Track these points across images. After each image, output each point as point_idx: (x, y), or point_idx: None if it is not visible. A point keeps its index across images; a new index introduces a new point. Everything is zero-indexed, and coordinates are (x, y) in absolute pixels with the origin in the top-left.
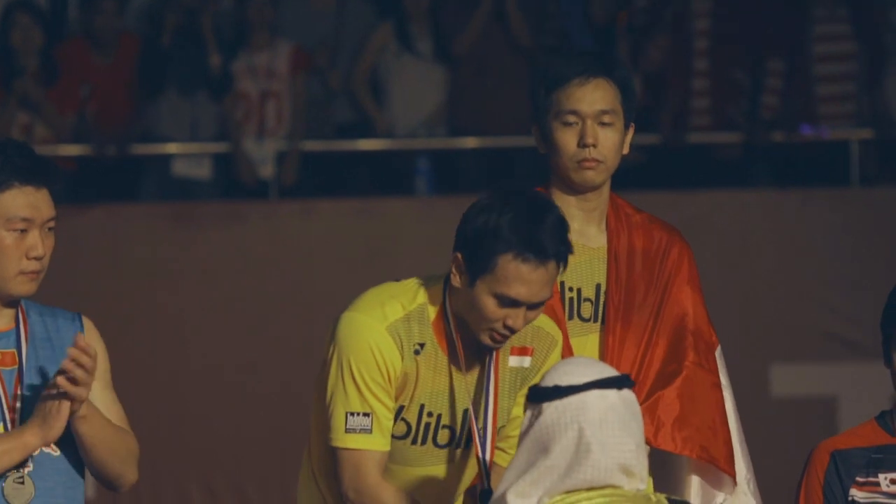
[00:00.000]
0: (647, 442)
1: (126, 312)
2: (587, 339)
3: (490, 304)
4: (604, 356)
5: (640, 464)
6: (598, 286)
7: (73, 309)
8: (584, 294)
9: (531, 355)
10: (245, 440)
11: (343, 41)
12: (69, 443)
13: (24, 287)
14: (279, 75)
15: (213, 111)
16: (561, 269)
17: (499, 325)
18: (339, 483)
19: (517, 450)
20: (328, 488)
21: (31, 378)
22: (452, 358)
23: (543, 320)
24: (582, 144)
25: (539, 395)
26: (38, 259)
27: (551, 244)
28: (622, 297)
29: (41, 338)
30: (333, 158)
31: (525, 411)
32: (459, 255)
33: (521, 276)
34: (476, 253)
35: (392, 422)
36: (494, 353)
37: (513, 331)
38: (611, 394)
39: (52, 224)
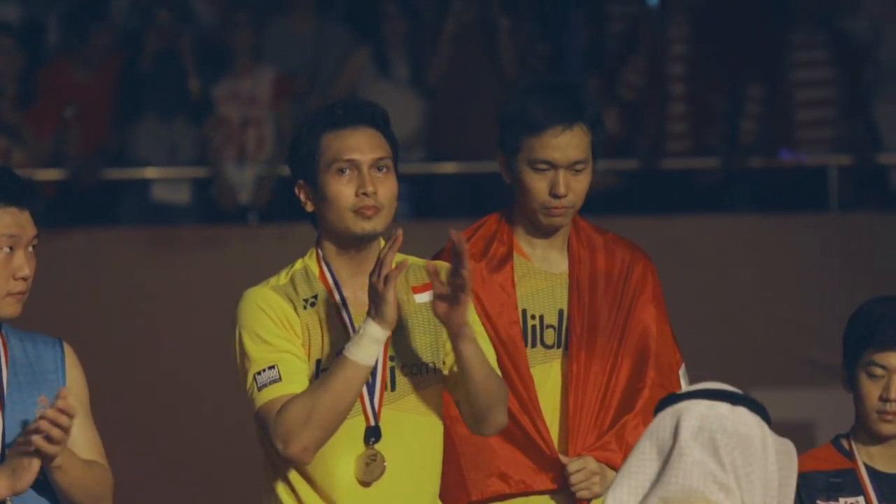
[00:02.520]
0: (617, 467)
1: (105, 337)
2: (551, 367)
3: (337, 184)
4: (568, 383)
5: (739, 484)
6: (560, 312)
7: (52, 334)
8: (547, 321)
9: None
10: (223, 464)
11: (322, 65)
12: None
13: (10, 308)
14: (260, 101)
15: (193, 136)
16: (383, 135)
17: (359, 201)
18: (272, 445)
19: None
20: (288, 487)
21: (13, 403)
22: (348, 304)
23: (434, 262)
24: (554, 194)
25: (657, 407)
26: (24, 279)
27: (352, 109)
28: (585, 324)
29: (22, 363)
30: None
31: None
32: (300, 182)
33: (344, 140)
34: (304, 160)
35: (304, 363)
36: None
37: (370, 196)
38: (721, 406)
39: (35, 242)
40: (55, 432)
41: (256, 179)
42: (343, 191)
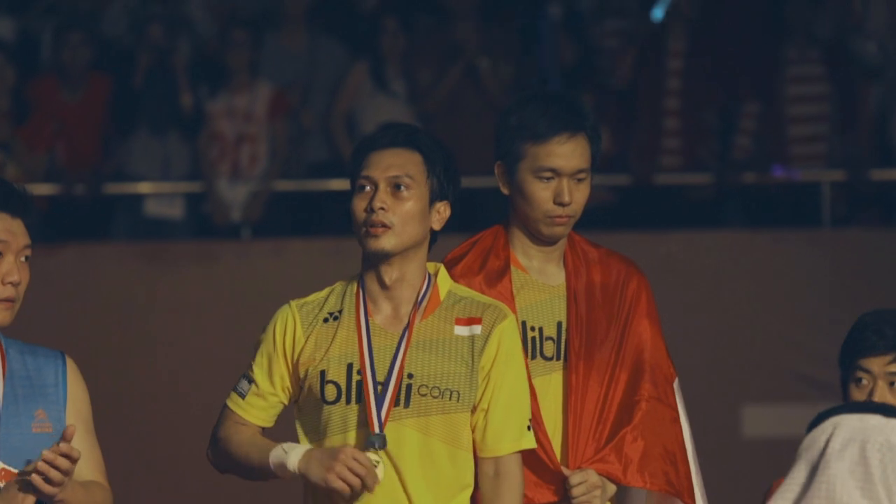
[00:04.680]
0: (617, 480)
1: (99, 351)
2: (551, 378)
3: (355, 200)
4: (568, 395)
5: (891, 497)
6: (559, 324)
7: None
8: (546, 333)
9: (480, 324)
10: (218, 477)
11: (316, 81)
12: None
13: None
14: (256, 118)
15: (186, 151)
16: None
17: (367, 217)
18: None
19: None
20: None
21: (8, 416)
22: (377, 318)
23: (493, 300)
24: (558, 203)
25: (810, 425)
26: (14, 285)
27: (388, 130)
28: (583, 336)
29: (20, 375)
30: (305, 198)
31: None
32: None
33: (372, 157)
34: (351, 182)
35: (273, 406)
36: (411, 315)
37: (376, 211)
38: (873, 418)
39: (27, 252)
40: (53, 474)
41: (250, 195)
42: (357, 206)
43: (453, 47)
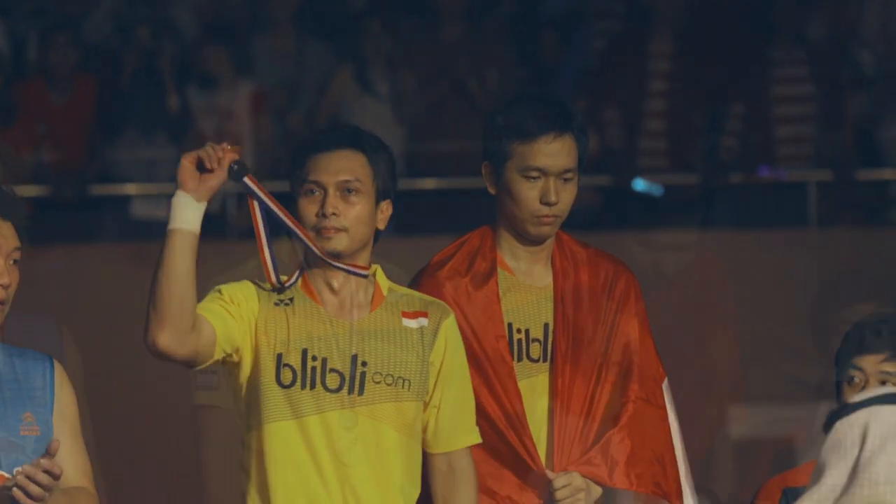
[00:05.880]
0: (602, 482)
1: (87, 353)
2: (537, 380)
3: (303, 203)
4: (554, 397)
5: None
6: (545, 326)
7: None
8: (533, 335)
9: (427, 317)
10: (210, 480)
11: (303, 82)
12: None
13: None
14: (238, 117)
15: (172, 152)
16: (365, 158)
17: (318, 221)
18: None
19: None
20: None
21: None
22: (328, 308)
23: (434, 298)
24: (545, 202)
25: (832, 417)
26: (3, 287)
27: (333, 133)
28: (570, 338)
29: (8, 378)
30: (292, 199)
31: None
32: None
33: (317, 163)
34: (292, 182)
35: (232, 318)
36: (371, 305)
37: (328, 217)
38: None
39: (17, 255)
40: (33, 489)
41: (235, 196)
42: (307, 209)
43: (439, 48)
